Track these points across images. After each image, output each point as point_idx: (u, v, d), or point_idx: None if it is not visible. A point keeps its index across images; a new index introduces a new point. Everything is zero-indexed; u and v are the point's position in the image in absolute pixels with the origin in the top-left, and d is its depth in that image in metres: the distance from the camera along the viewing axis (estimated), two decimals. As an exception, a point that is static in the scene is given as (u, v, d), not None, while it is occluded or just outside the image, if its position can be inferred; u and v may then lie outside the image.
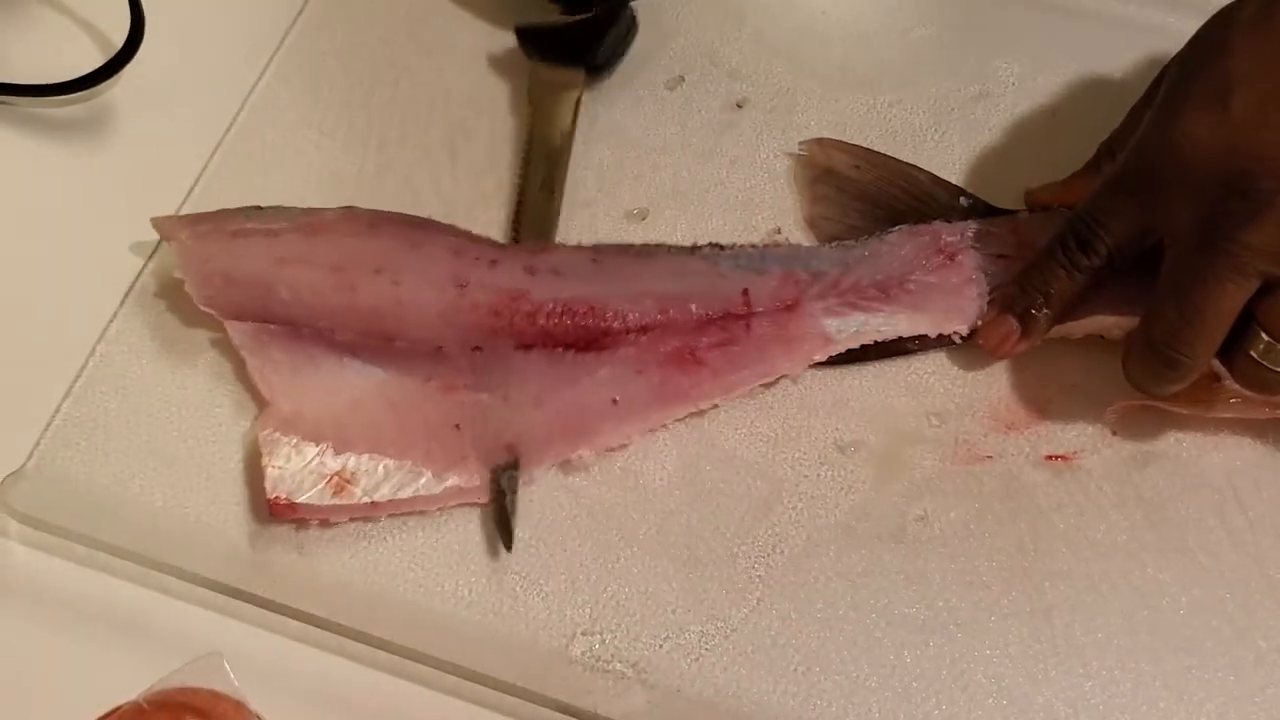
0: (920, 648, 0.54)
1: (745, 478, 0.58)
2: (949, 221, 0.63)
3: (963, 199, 0.64)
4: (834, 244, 0.63)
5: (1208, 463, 0.58)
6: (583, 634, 0.54)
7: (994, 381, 0.60)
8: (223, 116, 0.67)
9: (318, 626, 0.54)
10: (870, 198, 0.65)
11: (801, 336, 0.59)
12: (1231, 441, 0.59)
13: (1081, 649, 0.54)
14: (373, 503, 0.55)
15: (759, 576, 0.56)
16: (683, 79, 0.69)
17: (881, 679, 0.54)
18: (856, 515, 0.57)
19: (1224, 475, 0.58)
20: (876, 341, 0.60)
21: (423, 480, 0.56)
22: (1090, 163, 0.63)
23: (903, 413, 0.60)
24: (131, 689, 0.50)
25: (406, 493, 0.55)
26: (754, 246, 0.62)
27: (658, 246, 0.62)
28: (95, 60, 0.68)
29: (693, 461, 0.58)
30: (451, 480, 0.56)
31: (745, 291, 0.60)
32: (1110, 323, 0.59)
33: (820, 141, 0.67)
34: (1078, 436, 0.59)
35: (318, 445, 0.56)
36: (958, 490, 0.58)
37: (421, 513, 0.56)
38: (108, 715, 0.49)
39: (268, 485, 0.55)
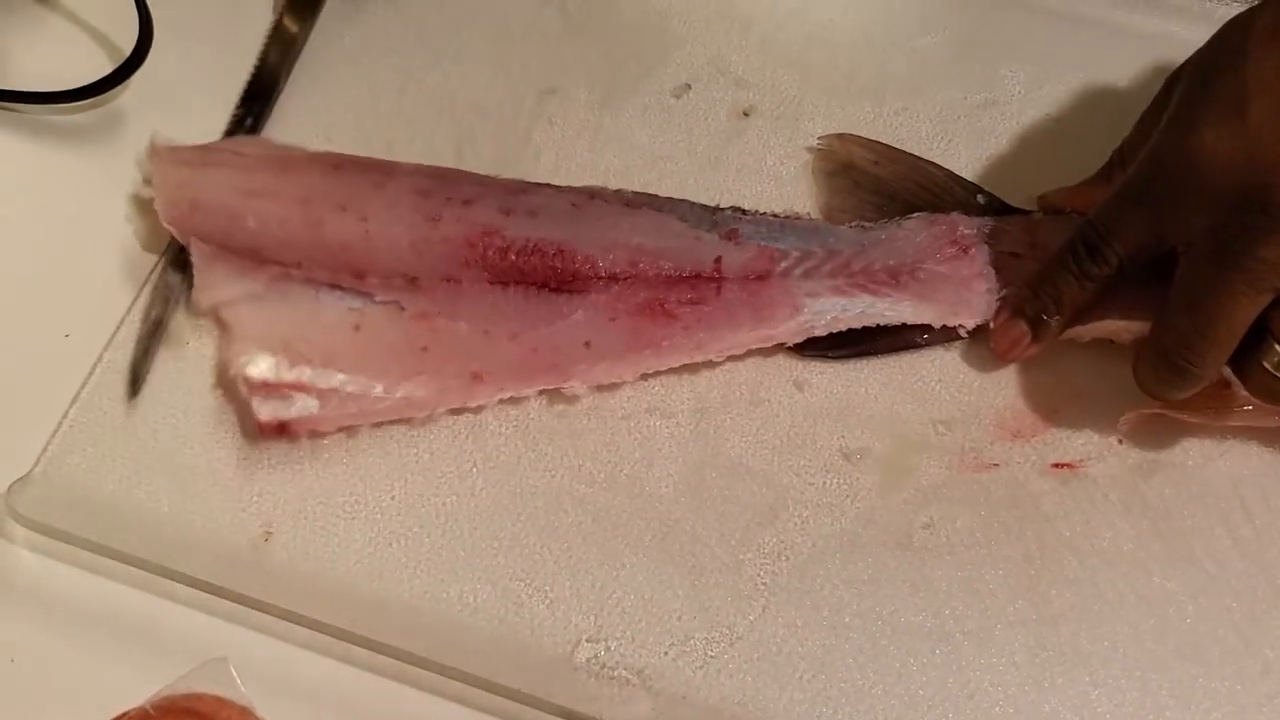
0: (926, 656, 0.54)
1: (750, 485, 0.58)
2: (967, 214, 0.63)
3: (979, 196, 0.64)
4: (852, 225, 0.63)
5: (1214, 471, 0.58)
6: (588, 641, 0.54)
7: (1000, 389, 0.60)
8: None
9: (323, 632, 0.54)
10: (887, 192, 0.65)
11: (772, 305, 0.60)
12: (1238, 450, 0.59)
13: (1088, 657, 0.54)
14: (330, 408, 0.57)
15: (764, 584, 0.56)
16: (689, 87, 0.70)
17: (887, 687, 0.53)
18: (862, 523, 0.57)
19: (1230, 484, 0.58)
20: (881, 327, 0.61)
21: (375, 391, 0.57)
22: (1102, 170, 0.63)
23: (909, 420, 0.60)
24: (138, 694, 0.50)
25: (354, 398, 0.57)
26: (775, 215, 0.63)
27: (652, 198, 0.63)
28: (104, 67, 0.68)
29: (697, 469, 0.58)
30: (402, 392, 0.57)
31: (718, 259, 0.61)
32: (1119, 327, 0.59)
33: (840, 136, 0.67)
34: (1084, 445, 0.59)
35: (276, 356, 0.57)
36: (964, 498, 0.58)
37: (405, 435, 0.58)
38: (114, 720, 0.50)
39: (254, 406, 0.56)
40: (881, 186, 0.65)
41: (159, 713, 0.49)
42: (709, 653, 0.54)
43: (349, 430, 0.58)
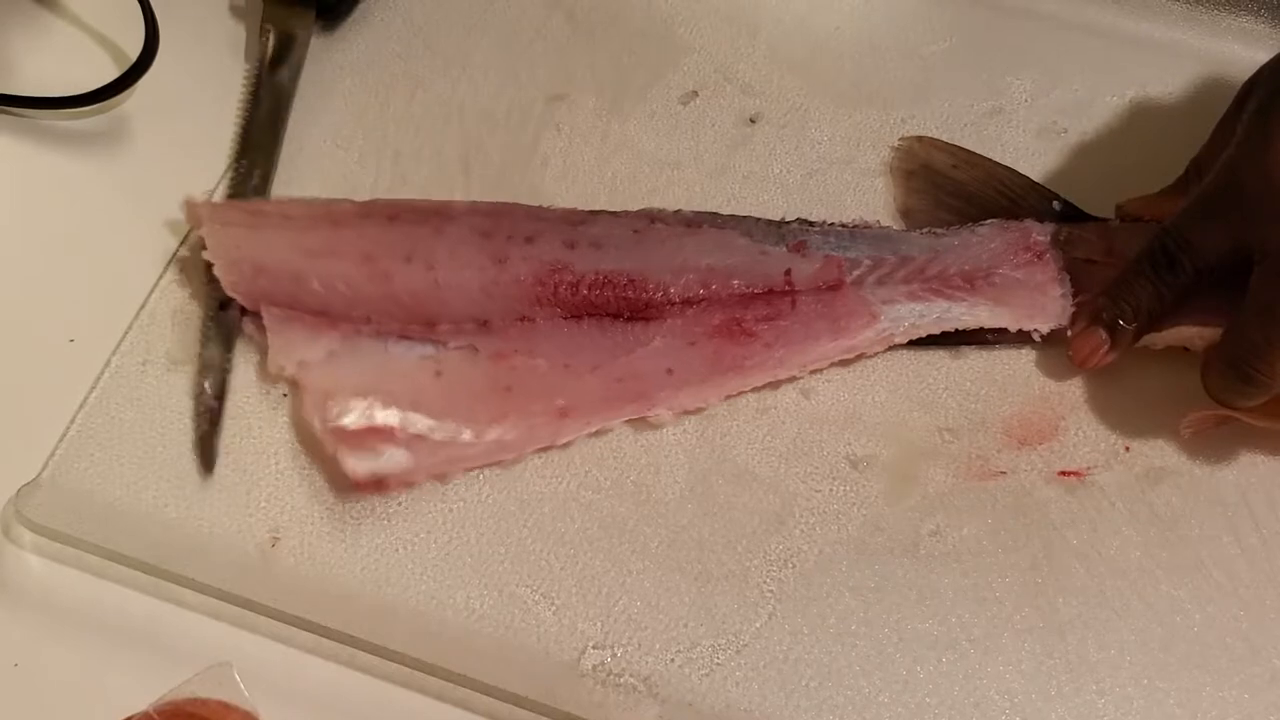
0: (933, 664, 0.54)
1: (757, 492, 0.58)
2: (1040, 221, 0.63)
3: (1056, 203, 0.64)
4: (924, 230, 0.63)
5: (1221, 480, 0.58)
6: (594, 647, 0.54)
7: (1007, 397, 0.60)
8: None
9: (330, 638, 0.54)
10: (964, 195, 0.65)
11: (849, 315, 0.60)
12: (1246, 458, 0.59)
13: (1095, 666, 0.54)
14: (421, 457, 0.56)
15: (771, 591, 0.55)
16: (696, 94, 0.70)
17: (894, 695, 0.53)
18: (869, 530, 0.57)
19: (1238, 492, 0.58)
20: (958, 330, 0.61)
21: (464, 436, 0.57)
22: (1178, 181, 0.63)
23: (915, 427, 0.60)
24: (142, 699, 0.50)
25: (444, 446, 0.57)
26: (843, 225, 0.63)
27: (711, 216, 0.63)
28: (110, 73, 0.68)
29: (705, 475, 0.58)
30: (492, 435, 0.57)
31: (787, 271, 0.61)
32: (1194, 334, 0.59)
33: (920, 139, 0.67)
34: (1091, 452, 0.59)
35: (365, 401, 0.56)
36: (971, 506, 0.58)
37: (458, 469, 0.57)
38: (119, 725, 0.49)
39: (346, 465, 0.55)
40: (959, 189, 0.65)
41: (163, 717, 0.49)
42: (715, 660, 0.54)
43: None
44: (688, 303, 0.60)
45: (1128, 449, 0.59)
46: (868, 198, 0.66)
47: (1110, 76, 0.70)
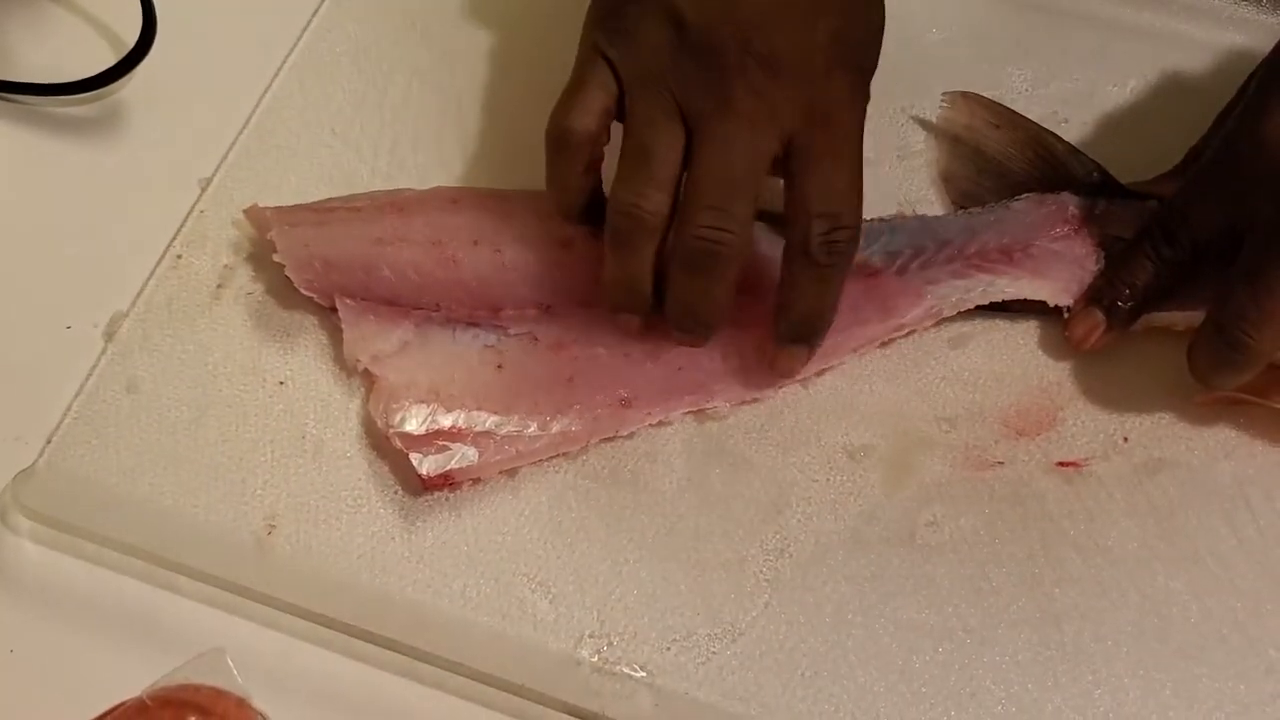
0: (929, 653, 0.54)
1: (754, 482, 0.58)
2: (1077, 194, 0.63)
3: (1096, 174, 0.64)
4: (960, 212, 0.64)
5: (1219, 471, 0.58)
6: (590, 636, 0.54)
7: (1005, 387, 0.60)
8: (236, 117, 0.67)
9: (323, 625, 0.54)
10: (1004, 161, 0.65)
11: (895, 297, 0.61)
12: (1243, 449, 0.58)
13: (1091, 656, 0.54)
14: (488, 454, 0.56)
15: (767, 580, 0.55)
16: (695, 83, 0.69)
17: (889, 684, 0.53)
18: (865, 520, 0.57)
19: (1235, 483, 0.58)
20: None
21: (529, 430, 0.57)
22: (1177, 166, 0.63)
23: (913, 418, 0.60)
24: (136, 685, 0.50)
25: (510, 440, 0.57)
26: (881, 220, 0.63)
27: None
28: (107, 60, 0.68)
29: (702, 465, 0.58)
30: (557, 428, 0.57)
31: None
32: (1196, 316, 0.58)
33: (964, 94, 0.67)
34: (1089, 443, 0.59)
35: (428, 406, 0.57)
36: (968, 496, 0.57)
37: (468, 484, 0.57)
38: (111, 711, 0.50)
39: (414, 461, 0.56)
40: (999, 154, 0.65)
41: (156, 704, 0.49)
42: (711, 649, 0.54)
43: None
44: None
45: (1126, 440, 0.59)
46: (866, 187, 0.66)
47: (1111, 66, 0.69)
